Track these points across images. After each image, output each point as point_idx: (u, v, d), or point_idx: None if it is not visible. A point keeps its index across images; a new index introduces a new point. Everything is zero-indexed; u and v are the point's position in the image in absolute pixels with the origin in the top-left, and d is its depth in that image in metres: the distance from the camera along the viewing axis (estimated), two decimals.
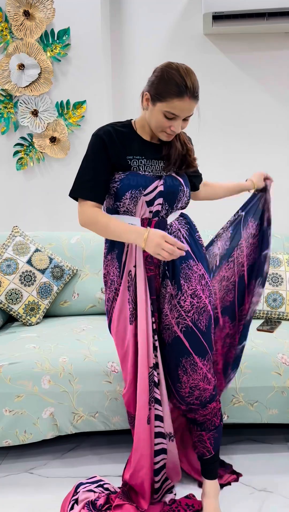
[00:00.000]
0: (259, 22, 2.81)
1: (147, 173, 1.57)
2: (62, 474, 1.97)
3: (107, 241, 1.70)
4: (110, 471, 1.96)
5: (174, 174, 1.62)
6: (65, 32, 2.92)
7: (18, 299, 2.41)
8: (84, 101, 3.01)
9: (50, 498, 1.82)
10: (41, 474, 1.98)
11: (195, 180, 1.83)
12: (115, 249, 1.65)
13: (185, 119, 1.52)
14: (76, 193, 1.58)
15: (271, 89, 3.08)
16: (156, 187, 1.57)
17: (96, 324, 2.39)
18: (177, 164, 1.62)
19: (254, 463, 2.01)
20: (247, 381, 1.97)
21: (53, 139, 3.05)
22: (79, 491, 1.76)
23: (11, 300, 2.40)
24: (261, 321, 2.40)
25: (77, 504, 1.70)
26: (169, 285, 1.62)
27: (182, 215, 1.69)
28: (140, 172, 1.57)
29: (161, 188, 1.57)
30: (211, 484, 1.74)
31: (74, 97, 3.01)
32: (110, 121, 3.12)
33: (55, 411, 1.96)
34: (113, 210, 1.61)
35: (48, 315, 2.57)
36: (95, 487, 1.78)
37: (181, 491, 1.83)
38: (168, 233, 1.60)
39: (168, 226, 1.62)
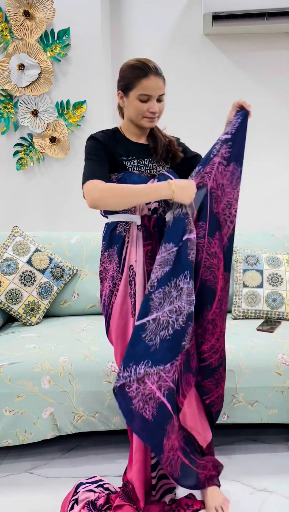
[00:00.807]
0: (259, 22, 2.81)
1: (142, 172, 1.66)
2: (62, 474, 1.97)
3: (105, 238, 1.72)
4: (110, 471, 1.96)
5: (165, 172, 1.68)
6: (65, 32, 2.92)
7: (18, 299, 2.41)
8: (84, 101, 3.01)
9: (50, 498, 1.82)
10: (41, 474, 1.98)
11: (195, 162, 1.74)
12: (114, 246, 1.68)
13: (160, 100, 1.60)
14: (87, 178, 1.56)
15: (271, 89, 3.08)
16: None
17: (96, 324, 2.39)
18: (163, 155, 1.69)
19: (254, 463, 2.01)
20: (247, 381, 1.97)
21: (53, 139, 3.05)
22: (79, 491, 1.76)
23: (11, 300, 2.40)
24: (261, 321, 2.40)
25: (77, 504, 1.70)
26: None
27: None
28: (135, 171, 1.64)
29: None
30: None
31: (74, 97, 3.01)
32: (110, 121, 3.15)
33: (55, 411, 1.96)
34: (109, 212, 1.68)
35: (48, 315, 2.57)
36: (95, 487, 1.78)
37: (181, 490, 1.83)
38: (167, 229, 1.64)
39: (166, 223, 1.65)
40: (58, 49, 2.94)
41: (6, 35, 2.94)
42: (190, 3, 3.01)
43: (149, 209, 1.65)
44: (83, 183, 1.57)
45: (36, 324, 2.45)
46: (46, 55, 2.94)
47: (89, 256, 2.62)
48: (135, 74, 1.57)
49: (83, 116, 3.03)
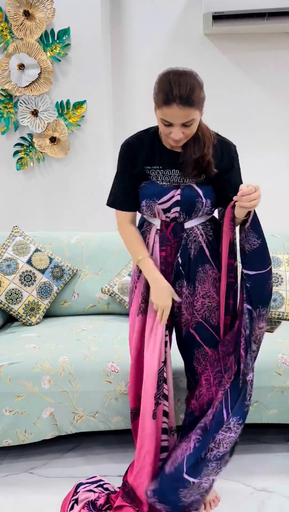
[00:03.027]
0: (259, 22, 2.81)
1: (164, 183, 1.62)
2: (62, 474, 1.97)
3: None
4: (110, 471, 1.96)
5: (193, 185, 1.62)
6: (65, 32, 2.92)
7: (18, 299, 2.41)
8: (84, 101, 3.01)
9: (50, 498, 1.82)
10: (41, 474, 1.98)
11: (232, 196, 1.60)
12: None
13: (186, 126, 1.49)
14: (112, 205, 1.74)
15: (271, 89, 3.08)
16: (172, 197, 1.61)
17: (96, 324, 2.39)
18: (192, 171, 1.60)
19: (254, 463, 2.01)
20: None
21: (53, 139, 3.05)
22: (79, 491, 1.76)
23: (11, 300, 2.40)
24: None
25: (77, 504, 1.70)
26: (184, 286, 1.68)
27: (210, 220, 1.70)
28: (158, 181, 1.62)
29: (178, 197, 1.61)
30: None
31: (74, 97, 3.01)
32: (110, 121, 3.15)
33: (55, 411, 1.96)
34: (141, 213, 1.75)
35: (48, 315, 2.57)
36: (95, 487, 1.78)
37: None
38: (186, 236, 1.65)
39: (188, 230, 1.66)
40: (58, 49, 2.94)
41: (6, 35, 2.94)
42: (190, 3, 3.01)
43: (167, 217, 1.65)
44: (108, 199, 1.75)
45: (36, 324, 2.45)
46: (46, 55, 2.94)
47: (89, 256, 2.62)
48: (159, 98, 1.46)
49: (83, 116, 3.03)
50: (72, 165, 3.11)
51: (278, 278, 2.45)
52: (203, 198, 1.62)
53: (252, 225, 1.59)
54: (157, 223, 1.67)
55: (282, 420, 2.02)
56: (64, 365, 1.96)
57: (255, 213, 1.59)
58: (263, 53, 3.04)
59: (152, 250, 1.70)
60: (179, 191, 1.61)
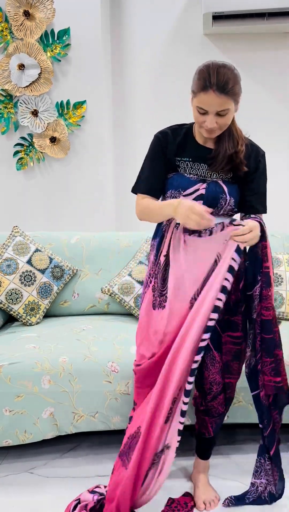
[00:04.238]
0: (259, 22, 2.81)
1: (191, 175, 1.64)
2: (62, 474, 1.97)
3: (156, 227, 1.77)
4: (110, 471, 1.96)
5: (219, 181, 1.64)
6: (65, 32, 2.92)
7: (18, 299, 2.41)
8: (84, 101, 3.01)
9: (50, 498, 1.82)
10: (41, 474, 1.98)
11: (252, 201, 1.69)
12: (156, 238, 1.75)
13: (220, 115, 1.52)
14: (135, 189, 1.74)
15: (271, 89, 3.08)
16: (197, 190, 1.62)
17: (96, 324, 2.39)
18: (222, 165, 1.61)
19: (254, 463, 2.01)
20: (247, 381, 1.96)
21: (53, 139, 3.05)
22: (83, 493, 1.75)
23: (11, 300, 2.40)
24: None
25: (79, 503, 1.70)
26: None
27: (230, 222, 1.68)
28: (186, 174, 1.64)
29: (202, 191, 1.62)
30: (202, 462, 1.87)
31: (74, 97, 3.01)
32: (110, 121, 3.15)
33: (55, 411, 1.96)
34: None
35: (48, 315, 2.57)
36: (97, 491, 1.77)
37: (178, 490, 1.84)
38: (212, 232, 1.62)
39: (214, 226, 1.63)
40: (58, 49, 2.94)
41: (6, 35, 2.94)
42: (190, 3, 3.01)
43: None
44: (134, 184, 1.74)
45: (36, 324, 2.45)
46: (46, 55, 2.94)
47: (89, 256, 2.62)
48: (198, 85, 1.51)
49: (83, 116, 3.03)
50: (72, 165, 3.11)
51: (278, 278, 2.45)
52: (227, 196, 1.63)
53: (250, 260, 1.62)
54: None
55: (282, 420, 2.02)
56: (64, 365, 1.96)
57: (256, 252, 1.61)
58: (263, 53, 3.04)
59: (168, 241, 1.66)
60: (204, 185, 1.62)
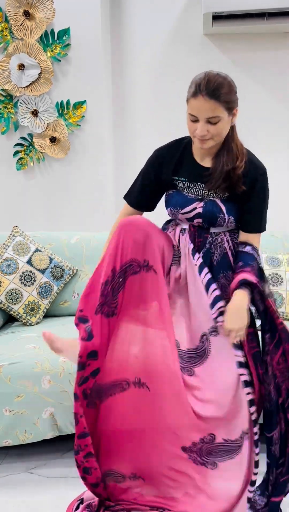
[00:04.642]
0: (259, 22, 2.81)
1: (190, 194, 1.64)
2: (62, 474, 1.97)
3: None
4: None
5: (216, 200, 1.62)
6: (65, 32, 2.92)
7: (18, 299, 2.41)
8: (84, 101, 3.01)
9: (50, 498, 1.82)
10: (41, 474, 1.98)
11: (248, 218, 1.66)
12: None
13: (211, 123, 1.50)
14: (125, 196, 1.78)
15: (271, 89, 3.08)
16: (195, 208, 1.62)
17: None
18: (218, 184, 1.58)
19: None
20: None
21: (53, 139, 3.05)
22: (85, 492, 1.75)
23: (11, 300, 2.40)
24: None
25: (82, 504, 1.70)
26: None
27: (237, 229, 1.71)
28: (184, 192, 1.65)
29: (200, 210, 1.62)
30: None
31: (74, 97, 3.01)
32: (110, 121, 3.15)
33: (55, 411, 1.96)
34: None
35: (48, 315, 2.57)
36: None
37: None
38: (210, 240, 1.64)
39: (214, 234, 1.65)
40: (58, 49, 2.94)
41: (6, 35, 2.94)
42: (190, 3, 3.01)
43: (192, 225, 1.66)
44: (127, 191, 1.78)
45: (36, 324, 2.45)
46: (46, 55, 2.94)
47: (89, 256, 2.61)
48: (189, 92, 1.51)
49: (83, 116, 3.03)
50: (72, 165, 3.11)
51: (278, 278, 2.45)
52: (226, 215, 1.61)
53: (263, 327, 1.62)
54: (184, 225, 1.69)
55: None
56: (64, 365, 1.96)
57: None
58: (263, 53, 3.04)
59: (177, 241, 1.68)
60: (202, 203, 1.61)
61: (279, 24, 2.83)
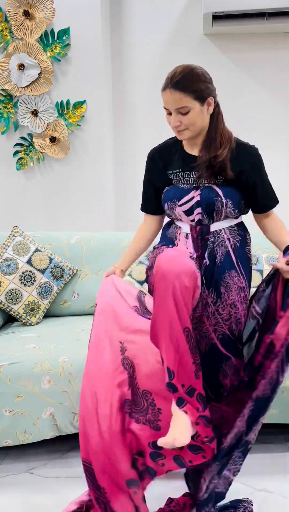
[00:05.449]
0: (259, 22, 2.82)
1: (185, 185, 1.65)
2: (62, 474, 1.97)
3: (162, 233, 1.78)
4: None
5: (213, 186, 1.63)
6: (65, 32, 2.92)
7: (18, 299, 2.41)
8: (84, 101, 3.01)
9: (50, 498, 1.82)
10: (41, 474, 1.98)
11: (261, 200, 1.71)
12: (163, 243, 1.70)
13: (182, 113, 1.54)
14: (141, 209, 1.85)
15: (271, 89, 3.08)
16: (192, 198, 1.62)
17: None
18: (205, 172, 1.61)
19: (254, 463, 2.01)
20: None
21: (53, 139, 3.05)
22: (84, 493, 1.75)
23: (11, 300, 2.40)
24: None
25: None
26: (205, 292, 1.62)
27: (238, 225, 1.70)
28: (179, 185, 1.66)
29: (198, 198, 1.62)
30: None
31: (74, 97, 3.01)
32: (110, 121, 3.15)
33: (55, 411, 1.96)
34: (167, 215, 1.75)
35: (48, 315, 2.57)
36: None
37: (177, 490, 1.84)
38: (213, 240, 1.63)
39: (215, 233, 1.64)
40: (58, 49, 2.94)
41: (6, 35, 2.94)
42: (190, 3, 3.01)
43: (192, 220, 1.64)
44: (141, 206, 1.84)
45: (36, 324, 2.45)
46: (46, 55, 2.94)
47: (89, 256, 2.62)
48: (162, 86, 1.57)
49: (83, 116, 3.03)
50: (72, 165, 3.11)
51: None
52: (223, 198, 1.61)
53: None
54: (185, 227, 1.66)
55: (282, 420, 2.02)
56: (64, 365, 1.96)
57: None
58: (263, 53, 3.04)
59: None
60: (198, 191, 1.62)
61: (279, 24, 2.83)
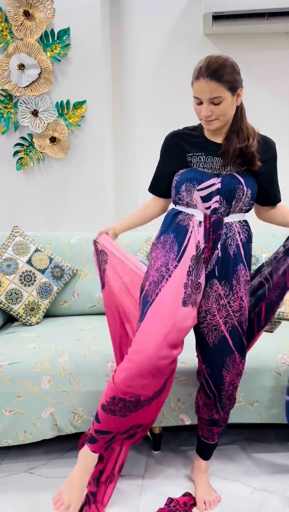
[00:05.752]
0: (259, 22, 2.82)
1: (205, 169, 1.63)
2: (62, 474, 1.97)
3: (164, 224, 1.73)
4: None
5: (235, 174, 1.63)
6: (65, 32, 2.92)
7: (18, 299, 2.41)
8: (84, 101, 3.01)
9: (50, 498, 1.82)
10: (41, 474, 1.98)
11: (273, 192, 1.77)
12: (171, 233, 1.67)
13: (214, 103, 1.53)
14: (149, 189, 1.84)
15: (271, 89, 3.08)
16: (213, 184, 1.61)
17: (96, 324, 2.39)
18: (234, 159, 1.62)
19: (254, 463, 2.01)
20: (247, 381, 1.96)
21: (53, 139, 3.05)
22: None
23: (11, 300, 2.40)
24: None
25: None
26: (216, 284, 1.64)
27: (245, 221, 1.71)
28: (199, 168, 1.64)
29: (218, 185, 1.61)
30: (204, 462, 1.86)
31: (74, 97, 3.01)
32: (110, 121, 3.15)
33: (55, 411, 1.96)
34: (175, 203, 1.71)
35: (48, 315, 2.57)
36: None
37: (178, 490, 1.84)
38: (225, 232, 1.64)
39: (228, 225, 1.64)
40: (58, 49, 2.94)
41: (6, 35, 2.94)
42: (190, 3, 3.01)
43: (207, 208, 1.62)
44: (149, 187, 1.84)
45: (36, 324, 2.45)
46: (46, 55, 2.94)
47: (89, 256, 2.61)
48: (193, 75, 1.55)
49: (83, 116, 3.03)
50: (72, 165, 3.11)
51: None
52: (244, 186, 1.62)
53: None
54: (198, 214, 1.64)
55: (282, 420, 2.02)
56: (64, 365, 1.96)
57: None
58: (263, 53, 3.04)
59: (195, 239, 1.64)
60: (219, 179, 1.61)
61: (279, 24, 2.83)
